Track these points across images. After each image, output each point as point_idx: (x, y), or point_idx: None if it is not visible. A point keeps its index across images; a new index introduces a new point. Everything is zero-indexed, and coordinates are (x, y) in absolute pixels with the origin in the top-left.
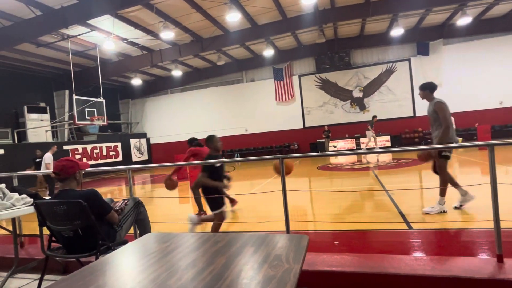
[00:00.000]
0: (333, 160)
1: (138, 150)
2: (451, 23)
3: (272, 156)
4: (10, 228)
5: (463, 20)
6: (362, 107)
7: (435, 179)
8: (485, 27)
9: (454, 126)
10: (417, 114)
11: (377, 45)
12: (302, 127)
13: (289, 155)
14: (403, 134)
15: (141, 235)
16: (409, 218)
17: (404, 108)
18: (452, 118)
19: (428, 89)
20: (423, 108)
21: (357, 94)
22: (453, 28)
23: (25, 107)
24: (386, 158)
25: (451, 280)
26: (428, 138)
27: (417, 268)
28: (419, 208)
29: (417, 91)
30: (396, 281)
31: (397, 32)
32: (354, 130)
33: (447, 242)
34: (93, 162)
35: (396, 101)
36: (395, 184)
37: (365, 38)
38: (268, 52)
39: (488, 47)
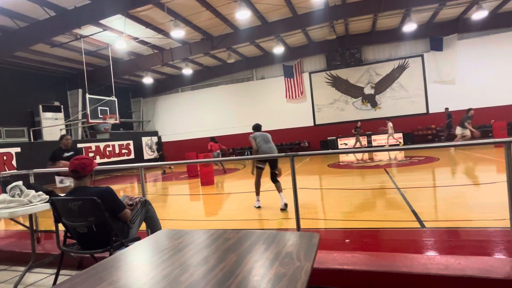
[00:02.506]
0: (344, 158)
1: (150, 148)
2: (466, 17)
3: (282, 154)
4: (27, 224)
5: (479, 14)
6: (374, 104)
7: (447, 178)
8: (501, 21)
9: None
10: (430, 111)
11: (389, 41)
12: (312, 124)
13: (299, 153)
14: (415, 131)
15: (151, 232)
16: (422, 216)
17: (417, 105)
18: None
19: (253, 129)
20: (436, 105)
21: (368, 91)
22: (468, 23)
23: (40, 106)
24: (398, 155)
25: (466, 280)
26: (442, 136)
27: (431, 267)
28: (433, 206)
29: (430, 87)
30: (409, 280)
31: (409, 27)
32: (366, 128)
33: (461, 241)
34: (105, 160)
35: (408, 97)
36: (408, 182)
37: (376, 34)
38: (278, 50)
39: (505, 42)
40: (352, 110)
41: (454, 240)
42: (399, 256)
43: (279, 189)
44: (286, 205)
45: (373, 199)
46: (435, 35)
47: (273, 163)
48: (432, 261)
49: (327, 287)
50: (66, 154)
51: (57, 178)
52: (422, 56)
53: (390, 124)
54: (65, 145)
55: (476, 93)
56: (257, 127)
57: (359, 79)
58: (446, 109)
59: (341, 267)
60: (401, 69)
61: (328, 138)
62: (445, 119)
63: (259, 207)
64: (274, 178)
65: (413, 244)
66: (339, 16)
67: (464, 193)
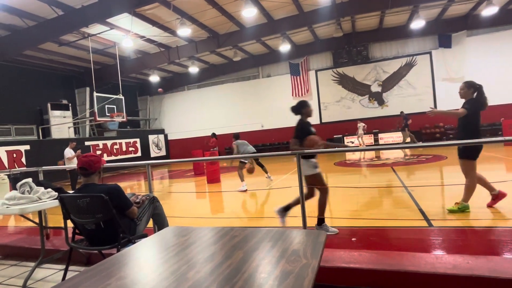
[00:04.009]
0: (351, 156)
1: (156, 145)
2: (476, 13)
3: (289, 152)
4: (37, 220)
5: (489, 10)
6: (381, 102)
7: (456, 176)
8: None
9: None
10: (439, 109)
11: (397, 38)
12: (318, 122)
13: (305, 151)
14: (423, 129)
15: (158, 229)
16: (429, 215)
17: (424, 103)
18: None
19: (236, 137)
20: (444, 102)
21: (375, 88)
22: (478, 19)
23: (49, 105)
24: (405, 154)
25: (474, 280)
26: (450, 134)
27: (438, 266)
28: (440, 205)
29: (438, 84)
30: (416, 279)
31: (417, 24)
32: (373, 126)
33: (470, 241)
34: (113, 157)
35: (416, 95)
36: (415, 180)
37: (384, 31)
38: (284, 47)
39: None
40: (359, 108)
41: (462, 240)
42: (406, 255)
43: (265, 171)
44: (269, 177)
45: (380, 198)
46: (444, 32)
47: (256, 159)
48: (440, 260)
49: (334, 286)
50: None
51: (310, 162)
52: (430, 53)
53: (359, 125)
54: (308, 114)
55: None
56: (237, 136)
57: (366, 77)
58: (401, 112)
59: (347, 266)
60: (408, 66)
61: (335, 136)
62: (401, 122)
63: (245, 190)
64: (260, 164)
65: (420, 243)
66: (345, 13)
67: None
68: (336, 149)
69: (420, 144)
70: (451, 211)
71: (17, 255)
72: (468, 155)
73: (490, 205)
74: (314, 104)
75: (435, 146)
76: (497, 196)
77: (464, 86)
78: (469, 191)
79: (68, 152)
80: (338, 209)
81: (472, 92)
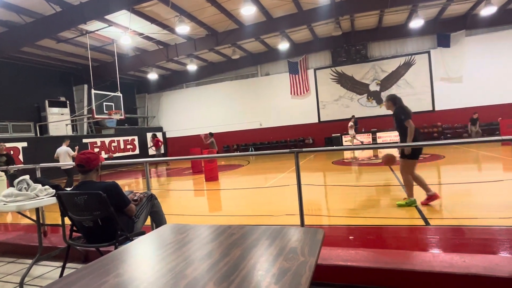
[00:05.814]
0: (349, 154)
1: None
2: (474, 13)
3: (287, 150)
4: (34, 217)
5: (488, 10)
6: (379, 101)
7: (453, 175)
8: (510, 17)
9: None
10: (436, 108)
11: (396, 37)
12: (317, 121)
13: (304, 149)
14: (421, 128)
15: (156, 226)
16: (426, 214)
17: (423, 102)
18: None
19: (212, 135)
20: (442, 102)
21: (374, 87)
22: (477, 19)
23: (47, 102)
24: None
25: (470, 278)
26: (448, 133)
27: (435, 264)
28: (437, 204)
29: (437, 84)
30: (412, 277)
31: (416, 23)
32: (371, 125)
33: (466, 239)
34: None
35: (414, 95)
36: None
37: (383, 30)
38: (283, 46)
39: None
40: (357, 107)
41: (459, 238)
42: (403, 253)
43: None
44: None
45: (377, 196)
46: (443, 32)
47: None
48: (436, 258)
49: (331, 283)
50: None
51: None
52: (429, 52)
53: (350, 124)
54: None
55: (483, 91)
56: (212, 134)
57: (364, 76)
58: (353, 116)
59: (344, 264)
60: (407, 65)
61: (333, 135)
62: (352, 125)
63: None
64: None
65: (417, 242)
66: (345, 12)
67: (470, 191)
68: (334, 147)
69: (418, 143)
70: (399, 205)
71: (14, 252)
72: (410, 156)
73: (424, 203)
74: (312, 103)
75: (432, 145)
76: (431, 197)
77: (388, 99)
78: (409, 187)
79: (68, 150)
80: (336, 207)
81: (393, 104)
